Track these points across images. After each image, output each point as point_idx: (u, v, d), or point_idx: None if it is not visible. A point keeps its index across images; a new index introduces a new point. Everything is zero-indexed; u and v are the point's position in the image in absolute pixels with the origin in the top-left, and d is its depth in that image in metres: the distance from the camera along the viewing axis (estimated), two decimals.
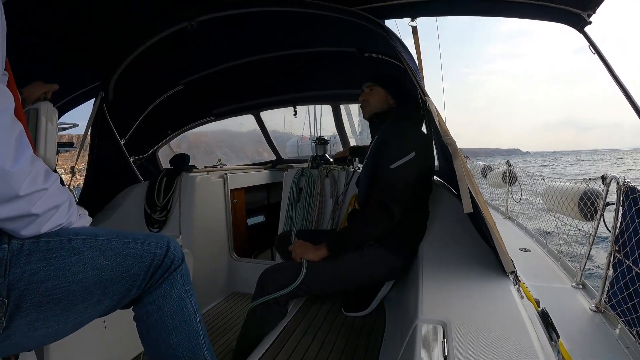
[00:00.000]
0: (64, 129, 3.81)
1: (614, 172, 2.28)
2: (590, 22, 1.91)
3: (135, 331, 1.21)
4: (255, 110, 4.23)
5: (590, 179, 2.66)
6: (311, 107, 4.17)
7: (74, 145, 2.69)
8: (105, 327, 1.81)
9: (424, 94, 1.75)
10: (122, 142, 3.16)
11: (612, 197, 2.30)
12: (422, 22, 2.22)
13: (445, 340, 1.09)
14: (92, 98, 2.92)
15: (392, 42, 1.94)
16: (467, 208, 1.59)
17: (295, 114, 4.15)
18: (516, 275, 1.51)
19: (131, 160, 3.32)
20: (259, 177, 4.03)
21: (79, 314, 0.99)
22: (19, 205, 0.84)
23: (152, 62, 2.77)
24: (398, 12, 2.21)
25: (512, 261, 1.51)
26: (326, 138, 3.35)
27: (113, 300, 1.07)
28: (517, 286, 1.45)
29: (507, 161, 5.47)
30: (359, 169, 2.86)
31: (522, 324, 1.15)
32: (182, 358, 1.18)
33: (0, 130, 0.79)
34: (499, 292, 1.40)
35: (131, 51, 2.51)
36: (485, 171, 6.69)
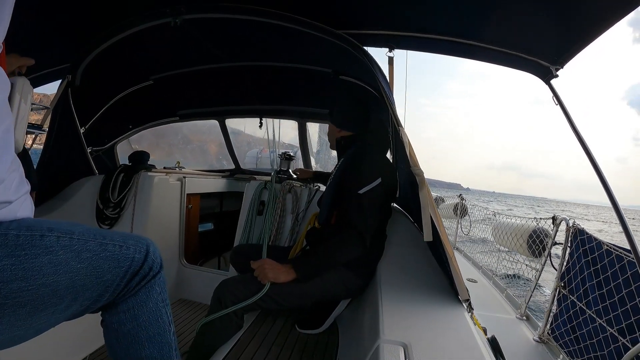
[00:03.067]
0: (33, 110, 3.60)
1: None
2: (556, 76, 2.03)
3: (85, 332, 1.12)
4: (220, 117, 4.17)
5: (540, 218, 2.82)
6: (276, 120, 4.16)
7: (42, 128, 2.52)
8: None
9: (398, 123, 1.79)
10: (81, 131, 3.02)
11: (559, 237, 2.46)
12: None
13: None
14: (56, 80, 2.81)
15: (373, 69, 1.99)
16: (428, 237, 1.64)
17: (260, 126, 4.12)
18: (470, 303, 1.57)
19: (88, 150, 3.17)
20: (216, 184, 3.97)
21: (45, 319, 0.89)
22: None
23: (126, 52, 2.68)
24: (377, 41, 2.27)
25: (467, 290, 1.58)
26: (292, 154, 3.34)
27: (82, 306, 0.98)
28: (470, 313, 1.51)
29: (460, 194, 5.69)
30: (319, 187, 2.88)
31: (478, 348, 1.21)
32: None
33: None
34: (454, 317, 1.45)
35: (107, 38, 2.42)
36: (437, 202, 6.91)
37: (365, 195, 1.91)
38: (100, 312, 1.08)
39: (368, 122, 2.27)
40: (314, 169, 4.10)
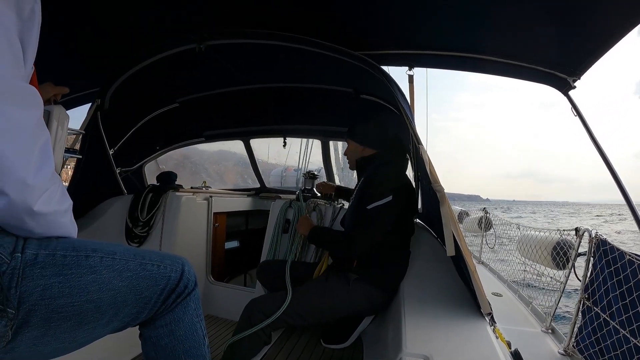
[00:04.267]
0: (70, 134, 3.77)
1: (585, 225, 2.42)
2: (574, 87, 2.05)
3: (119, 343, 1.18)
4: (245, 137, 4.27)
5: (564, 230, 2.80)
6: (302, 140, 4.22)
7: (77, 152, 2.64)
8: None
9: (418, 141, 1.83)
10: (111, 152, 3.15)
11: (582, 248, 2.43)
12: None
13: None
14: (85, 103, 2.93)
15: (392, 89, 2.04)
16: (450, 252, 1.67)
17: (284, 145, 4.21)
18: (492, 316, 1.58)
19: (117, 171, 3.30)
20: (241, 203, 4.03)
21: (88, 333, 0.96)
22: (26, 220, 0.82)
23: (153, 76, 2.80)
24: (396, 61, 2.33)
25: (490, 303, 1.59)
26: (316, 173, 3.40)
27: (122, 322, 1.04)
28: (492, 327, 1.52)
29: (484, 208, 5.63)
30: (344, 205, 2.92)
31: None
32: None
33: (22, 134, 0.77)
34: (476, 331, 1.46)
35: (136, 63, 2.53)
36: (462, 216, 6.83)
37: (372, 211, 1.98)
38: (138, 326, 1.14)
39: (387, 139, 2.31)
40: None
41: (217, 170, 5.51)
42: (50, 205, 0.85)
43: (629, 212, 1.86)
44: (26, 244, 0.84)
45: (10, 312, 0.79)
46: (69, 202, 0.94)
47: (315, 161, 4.58)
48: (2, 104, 0.73)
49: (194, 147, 4.62)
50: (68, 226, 0.94)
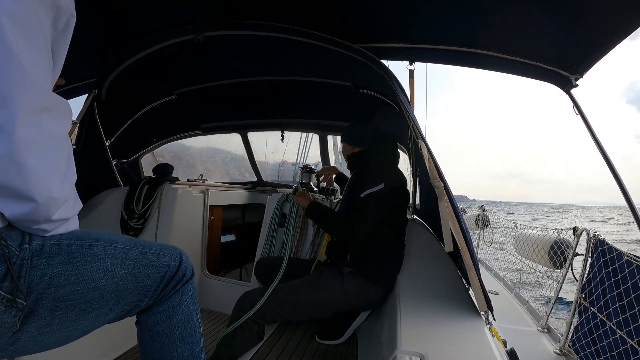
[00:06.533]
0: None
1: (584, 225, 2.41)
2: (576, 85, 2.04)
3: (111, 336, 1.18)
4: (243, 130, 4.24)
5: (561, 229, 2.79)
6: (301, 134, 4.20)
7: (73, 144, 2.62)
8: None
9: (417, 136, 1.81)
10: (107, 144, 3.12)
11: (580, 248, 2.43)
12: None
13: None
14: (82, 94, 2.90)
15: (392, 84, 2.02)
16: (448, 247, 1.67)
17: (282, 139, 4.19)
18: (489, 315, 1.57)
19: (113, 163, 3.28)
20: (238, 197, 4.01)
21: (90, 321, 0.98)
22: (41, 226, 0.86)
23: (150, 67, 2.77)
24: (396, 54, 2.31)
25: (488, 301, 1.57)
26: (313, 167, 3.38)
27: (124, 310, 1.07)
28: (488, 325, 1.50)
29: (482, 205, 5.64)
30: (340, 200, 2.91)
31: None
32: None
33: (53, 146, 0.81)
34: (472, 330, 1.45)
35: (132, 54, 2.50)
36: None
37: (365, 197, 2.02)
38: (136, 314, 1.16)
39: (377, 136, 2.34)
40: None
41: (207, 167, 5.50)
42: (66, 213, 0.90)
43: (629, 214, 1.85)
44: (32, 235, 0.87)
45: (20, 302, 0.81)
46: (79, 206, 0.98)
47: (314, 156, 4.56)
48: (39, 117, 0.76)
49: (181, 142, 4.59)
50: (72, 225, 0.97)
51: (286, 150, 4.72)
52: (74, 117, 2.71)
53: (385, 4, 1.91)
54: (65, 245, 0.91)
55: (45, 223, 0.85)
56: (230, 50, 2.59)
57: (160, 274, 1.10)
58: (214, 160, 5.54)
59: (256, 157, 4.46)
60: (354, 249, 2.14)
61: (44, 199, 0.80)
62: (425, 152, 1.71)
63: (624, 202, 1.85)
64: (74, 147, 2.71)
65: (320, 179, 3.12)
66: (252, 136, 4.33)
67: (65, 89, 2.91)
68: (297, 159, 4.56)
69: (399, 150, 2.51)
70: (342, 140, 2.47)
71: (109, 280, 0.97)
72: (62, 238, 0.91)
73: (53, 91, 1.32)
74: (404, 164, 2.72)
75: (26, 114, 0.73)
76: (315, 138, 4.27)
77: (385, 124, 2.71)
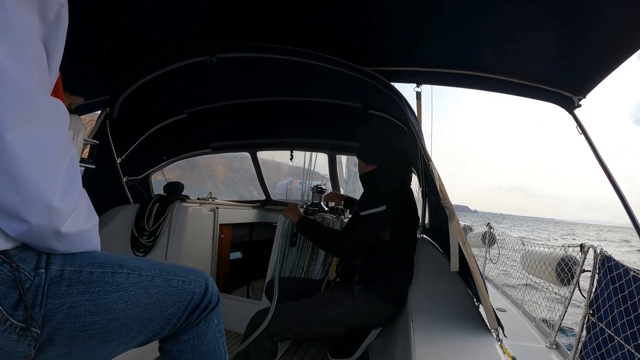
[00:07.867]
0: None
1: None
2: (580, 106, 2.07)
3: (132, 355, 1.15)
4: (252, 149, 4.28)
5: (568, 246, 2.81)
6: (307, 153, 4.25)
7: (89, 162, 2.66)
8: None
9: (428, 158, 1.85)
10: (118, 161, 3.17)
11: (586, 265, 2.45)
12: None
13: None
14: (94, 111, 2.95)
15: (402, 106, 2.07)
16: (454, 267, 1.70)
17: (291, 158, 4.22)
18: (499, 332, 1.59)
19: (124, 180, 3.32)
20: (247, 215, 4.03)
21: (111, 349, 0.94)
22: (52, 241, 0.79)
23: (162, 87, 2.83)
24: (404, 77, 2.37)
25: (497, 320, 1.60)
26: (323, 187, 3.42)
27: (146, 337, 1.03)
28: (499, 342, 1.53)
29: (488, 223, 5.64)
30: None
31: None
32: None
33: (49, 154, 0.73)
34: (483, 347, 1.48)
35: (146, 74, 2.56)
36: (465, 231, 6.83)
37: (364, 217, 2.05)
38: (159, 340, 1.12)
39: (390, 154, 2.35)
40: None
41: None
42: (78, 225, 0.82)
43: (634, 232, 1.86)
44: (50, 259, 0.82)
45: (34, 331, 0.76)
46: (95, 220, 0.92)
47: (319, 170, 4.59)
48: (30, 125, 0.69)
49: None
50: (92, 242, 0.92)
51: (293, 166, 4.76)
52: (87, 136, 2.76)
53: (393, 29, 1.97)
54: (87, 273, 0.86)
55: (54, 239, 0.78)
56: (241, 71, 2.65)
57: (184, 302, 1.04)
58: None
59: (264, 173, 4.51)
60: (362, 269, 2.15)
61: (42, 213, 0.73)
62: (435, 174, 1.75)
63: (623, 221, 1.87)
64: (93, 167, 2.74)
65: (326, 207, 3.17)
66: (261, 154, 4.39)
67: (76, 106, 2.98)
68: (303, 178, 4.59)
69: (411, 167, 2.52)
70: (357, 157, 2.47)
71: (132, 310, 0.92)
72: (84, 264, 0.86)
73: (72, 110, 1.31)
74: (414, 183, 2.74)
75: (13, 124, 0.67)
76: (320, 156, 4.31)
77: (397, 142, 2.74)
